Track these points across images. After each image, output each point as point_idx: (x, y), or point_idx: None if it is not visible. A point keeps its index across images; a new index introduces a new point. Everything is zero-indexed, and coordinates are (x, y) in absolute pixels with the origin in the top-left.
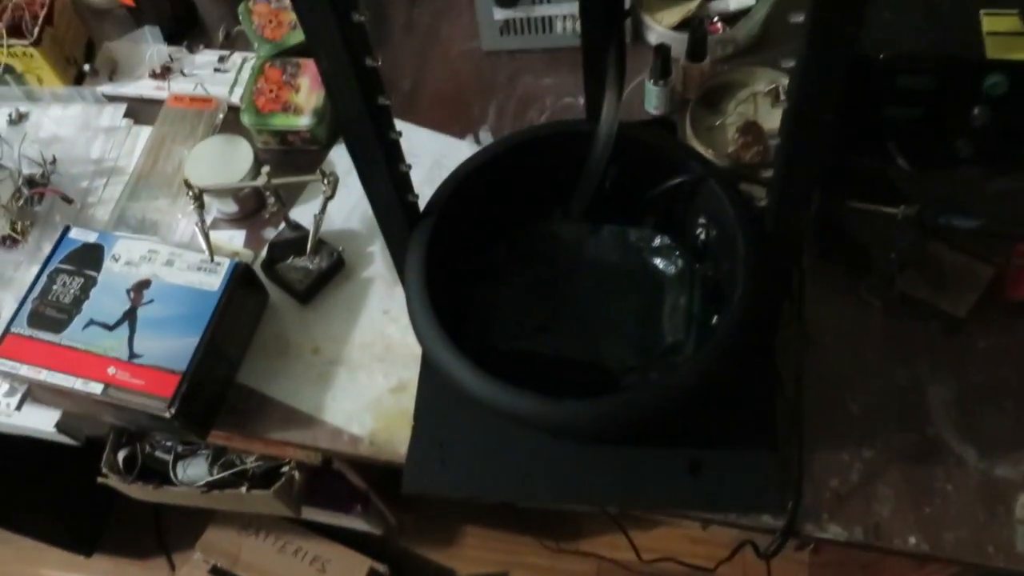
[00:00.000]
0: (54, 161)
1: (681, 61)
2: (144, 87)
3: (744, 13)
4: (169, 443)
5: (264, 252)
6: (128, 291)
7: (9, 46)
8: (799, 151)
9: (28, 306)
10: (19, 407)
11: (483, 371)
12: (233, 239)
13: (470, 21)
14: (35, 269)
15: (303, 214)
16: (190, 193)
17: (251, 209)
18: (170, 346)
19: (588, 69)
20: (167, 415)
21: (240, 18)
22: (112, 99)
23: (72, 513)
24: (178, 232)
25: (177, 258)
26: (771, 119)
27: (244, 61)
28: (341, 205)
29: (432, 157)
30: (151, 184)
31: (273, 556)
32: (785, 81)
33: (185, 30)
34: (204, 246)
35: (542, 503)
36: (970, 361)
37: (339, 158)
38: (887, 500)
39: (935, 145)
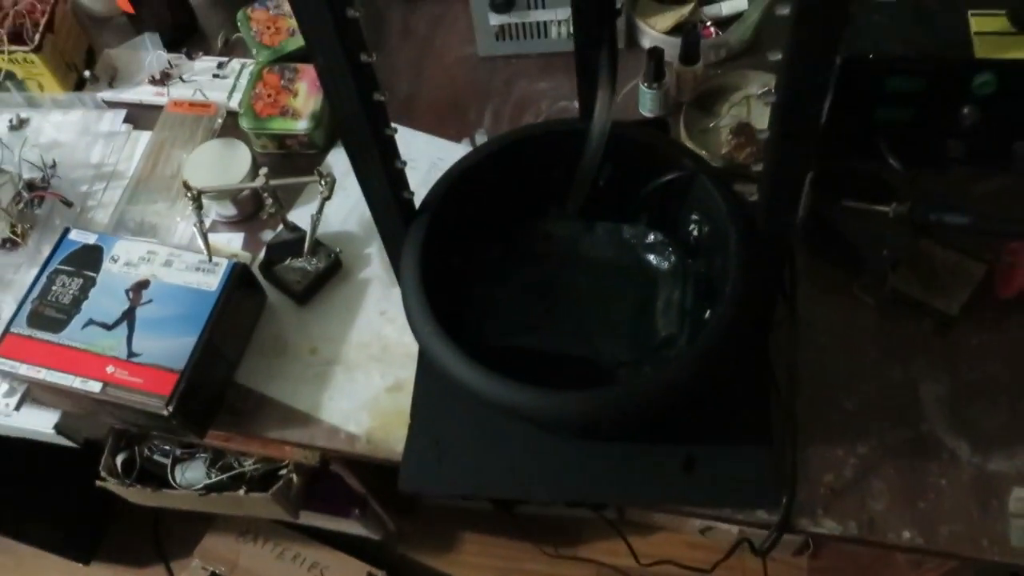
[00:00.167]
0: (54, 165)
1: (675, 64)
2: (144, 93)
3: (736, 18)
4: (167, 447)
5: (262, 254)
6: (127, 291)
7: (10, 52)
8: (788, 145)
9: (28, 306)
10: (18, 407)
11: (477, 363)
12: (231, 242)
13: (466, 27)
14: (35, 271)
15: (301, 217)
16: (189, 194)
17: (249, 212)
18: (168, 345)
19: (581, 70)
20: (165, 413)
21: (239, 25)
22: (112, 105)
23: (71, 521)
24: (177, 235)
25: (176, 259)
26: (764, 121)
27: (243, 67)
28: (338, 208)
29: (429, 160)
30: (150, 188)
31: (271, 562)
32: None
33: (184, 37)
34: (202, 246)
35: (538, 500)
36: (962, 358)
37: (336, 162)
38: (881, 495)
39: (926, 145)
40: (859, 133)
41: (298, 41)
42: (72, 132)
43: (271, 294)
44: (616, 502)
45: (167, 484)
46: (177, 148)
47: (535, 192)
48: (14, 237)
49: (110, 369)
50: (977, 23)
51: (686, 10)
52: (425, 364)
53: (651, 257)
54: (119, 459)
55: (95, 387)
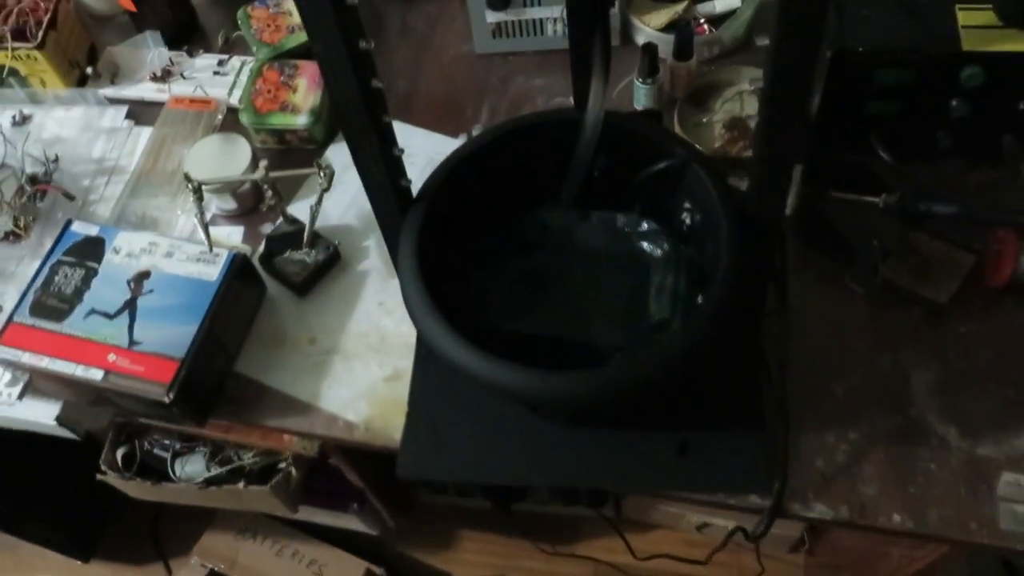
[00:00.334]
0: (56, 160)
1: (668, 61)
2: (145, 90)
3: (730, 15)
4: (167, 441)
5: (262, 246)
6: (129, 282)
7: (14, 49)
8: (777, 129)
9: (30, 296)
10: (21, 396)
11: (472, 344)
12: (231, 235)
13: (463, 25)
14: (37, 263)
15: (300, 210)
16: (190, 186)
17: (249, 206)
18: (169, 334)
19: (575, 63)
20: (166, 400)
21: (239, 23)
22: (114, 101)
23: (70, 518)
24: (177, 228)
25: (177, 250)
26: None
27: (243, 64)
28: (337, 202)
29: (427, 156)
30: (151, 182)
31: (270, 559)
32: None
33: (185, 35)
34: (203, 237)
35: (534, 485)
36: (952, 346)
37: (335, 156)
38: (872, 480)
39: (916, 138)
40: (850, 126)
41: (298, 39)
42: (74, 128)
43: (271, 286)
44: (612, 488)
45: (167, 478)
46: (178, 144)
47: (530, 182)
48: (17, 230)
49: (111, 357)
50: (964, 17)
51: (680, 7)
52: (423, 353)
53: (645, 245)
54: (119, 453)
55: (97, 375)
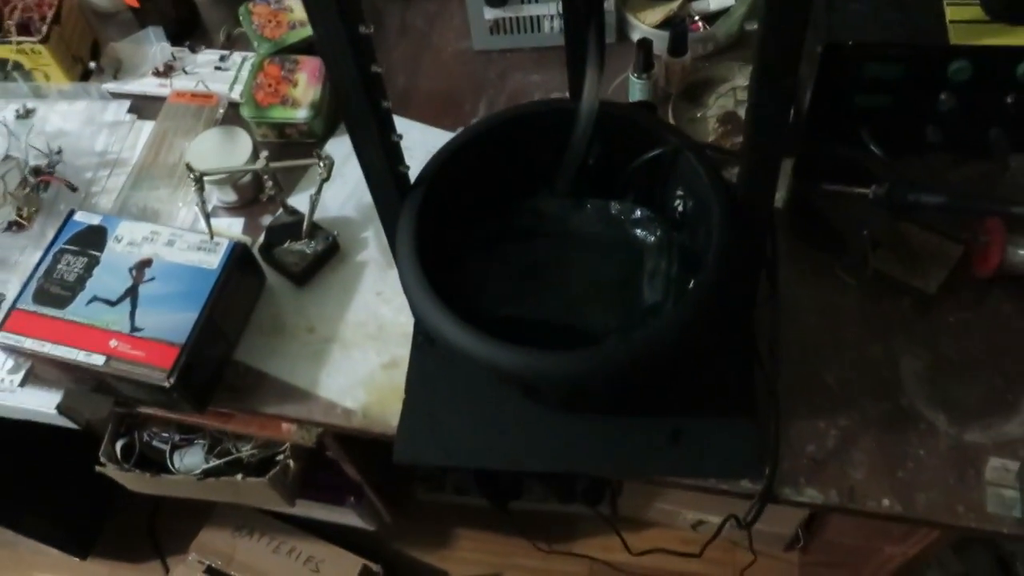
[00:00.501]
0: (60, 152)
1: (663, 57)
2: (147, 84)
3: (723, 13)
4: (166, 434)
5: (262, 237)
6: (130, 269)
7: (18, 43)
8: (766, 110)
9: (33, 284)
10: (23, 383)
11: (469, 324)
12: (232, 227)
13: (462, 22)
14: (39, 253)
15: (300, 203)
16: (192, 175)
17: (249, 198)
18: (170, 320)
19: (571, 55)
20: (166, 385)
21: (241, 19)
22: (116, 96)
23: (68, 515)
24: (178, 220)
25: (178, 239)
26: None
27: (244, 60)
28: (336, 194)
29: (426, 150)
30: (153, 175)
31: (267, 556)
32: None
33: (187, 32)
34: (204, 225)
35: (528, 471)
36: (940, 334)
37: (334, 150)
38: (862, 465)
39: (906, 131)
40: (841, 120)
41: (299, 34)
42: (77, 121)
43: (270, 276)
44: (606, 474)
45: (166, 470)
46: (180, 137)
47: (526, 170)
48: (20, 220)
49: (113, 343)
50: (952, 12)
51: (675, 5)
52: (420, 341)
53: (638, 232)
54: (118, 445)
55: (98, 360)
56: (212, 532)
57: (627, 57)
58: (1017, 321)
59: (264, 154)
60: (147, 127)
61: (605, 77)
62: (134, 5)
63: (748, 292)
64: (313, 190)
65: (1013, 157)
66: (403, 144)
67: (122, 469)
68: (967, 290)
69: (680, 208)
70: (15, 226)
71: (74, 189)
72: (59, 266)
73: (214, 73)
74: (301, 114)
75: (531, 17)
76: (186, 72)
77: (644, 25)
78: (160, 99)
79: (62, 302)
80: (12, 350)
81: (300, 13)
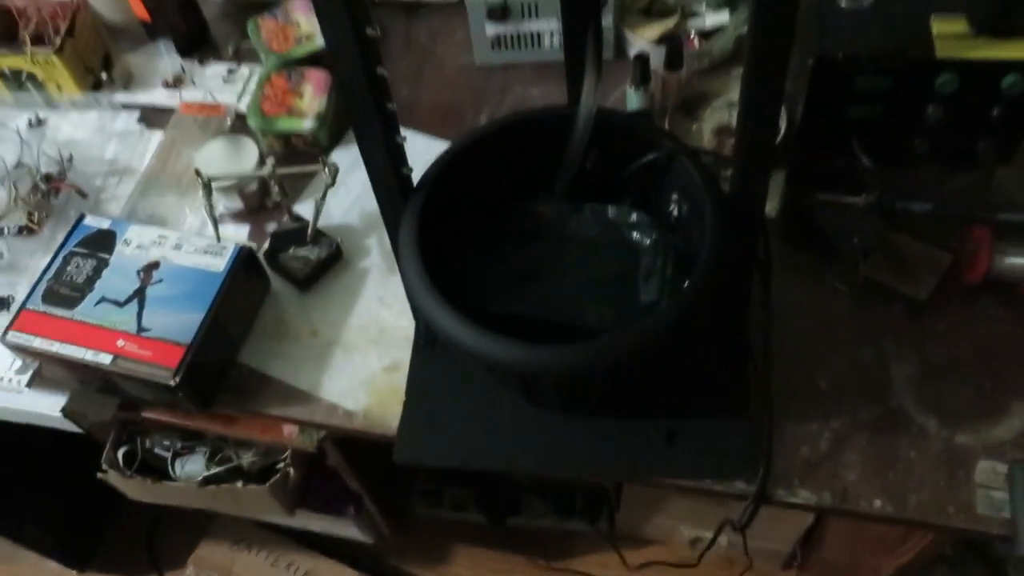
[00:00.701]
0: (71, 159)
1: (660, 71)
2: (157, 96)
3: (719, 30)
4: (168, 441)
5: (267, 243)
6: (138, 272)
7: (32, 53)
8: (758, 107)
9: (43, 285)
10: (30, 384)
11: (468, 319)
12: (238, 233)
13: (464, 38)
14: (49, 257)
15: (304, 210)
16: (201, 180)
17: (255, 205)
18: (177, 321)
19: (570, 68)
20: (172, 383)
21: (249, 33)
22: (127, 106)
23: (67, 527)
24: (185, 226)
25: (185, 242)
26: None
27: (252, 73)
28: (340, 202)
29: (428, 159)
30: (161, 183)
31: (265, 570)
32: None
33: (197, 45)
34: (212, 229)
35: (526, 472)
36: (931, 339)
37: (339, 160)
38: (854, 466)
39: (896, 143)
40: (832, 131)
41: (305, 48)
42: (88, 130)
43: (275, 281)
44: (602, 475)
45: (167, 478)
46: (187, 147)
47: (525, 175)
48: (31, 225)
49: (120, 343)
50: (938, 26)
51: (671, 22)
52: (420, 344)
53: (634, 234)
54: (121, 452)
55: (106, 359)
56: (210, 546)
57: (625, 73)
58: (1005, 326)
59: (270, 160)
60: (156, 136)
61: (603, 90)
62: (145, 19)
63: (742, 293)
64: (318, 196)
65: (999, 167)
66: (405, 138)
67: (124, 476)
68: (956, 297)
69: (675, 212)
70: (26, 231)
71: (84, 195)
72: (69, 268)
73: (222, 85)
74: (307, 124)
75: (532, 33)
76: (195, 84)
77: (641, 41)
78: (169, 110)
79: (71, 303)
80: (21, 349)
81: (307, 27)
